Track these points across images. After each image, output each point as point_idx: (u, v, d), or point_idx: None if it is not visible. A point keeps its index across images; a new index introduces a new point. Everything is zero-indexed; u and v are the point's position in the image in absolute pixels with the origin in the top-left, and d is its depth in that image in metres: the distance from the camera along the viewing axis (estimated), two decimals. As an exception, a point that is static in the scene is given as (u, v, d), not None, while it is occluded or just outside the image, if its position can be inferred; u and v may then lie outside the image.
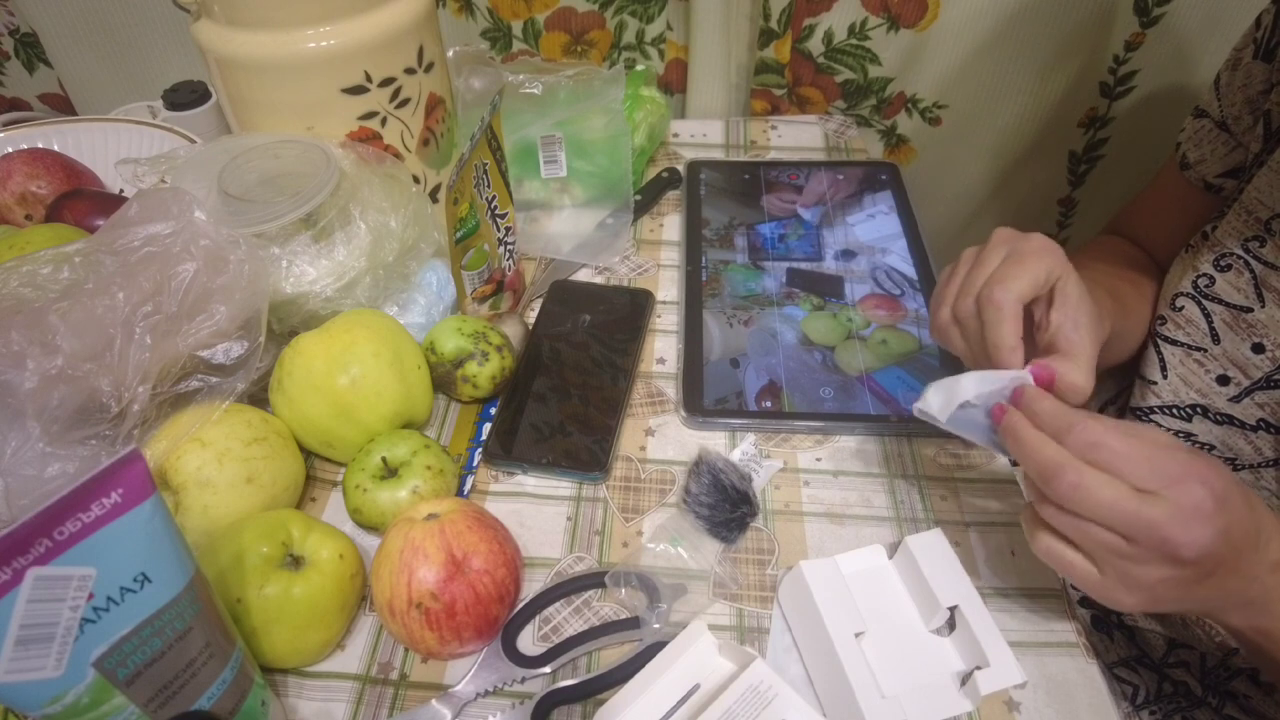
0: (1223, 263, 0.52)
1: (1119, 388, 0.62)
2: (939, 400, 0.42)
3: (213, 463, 0.45)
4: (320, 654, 0.45)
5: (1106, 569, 0.37)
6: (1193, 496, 0.35)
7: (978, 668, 0.41)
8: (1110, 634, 0.59)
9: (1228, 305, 0.52)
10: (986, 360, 0.43)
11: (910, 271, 0.68)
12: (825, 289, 0.66)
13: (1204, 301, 0.53)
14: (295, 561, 0.43)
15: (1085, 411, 0.38)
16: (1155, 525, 0.35)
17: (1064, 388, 0.41)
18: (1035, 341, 0.44)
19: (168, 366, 0.46)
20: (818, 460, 0.55)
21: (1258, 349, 0.50)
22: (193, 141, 0.72)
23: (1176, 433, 0.54)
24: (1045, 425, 0.38)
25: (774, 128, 0.88)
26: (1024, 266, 0.42)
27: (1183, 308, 0.54)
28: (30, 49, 0.87)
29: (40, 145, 0.72)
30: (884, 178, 0.78)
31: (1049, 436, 0.38)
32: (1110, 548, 0.36)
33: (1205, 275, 0.53)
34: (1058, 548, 0.38)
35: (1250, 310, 0.51)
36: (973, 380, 0.41)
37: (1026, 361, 0.42)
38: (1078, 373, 0.41)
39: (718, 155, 0.84)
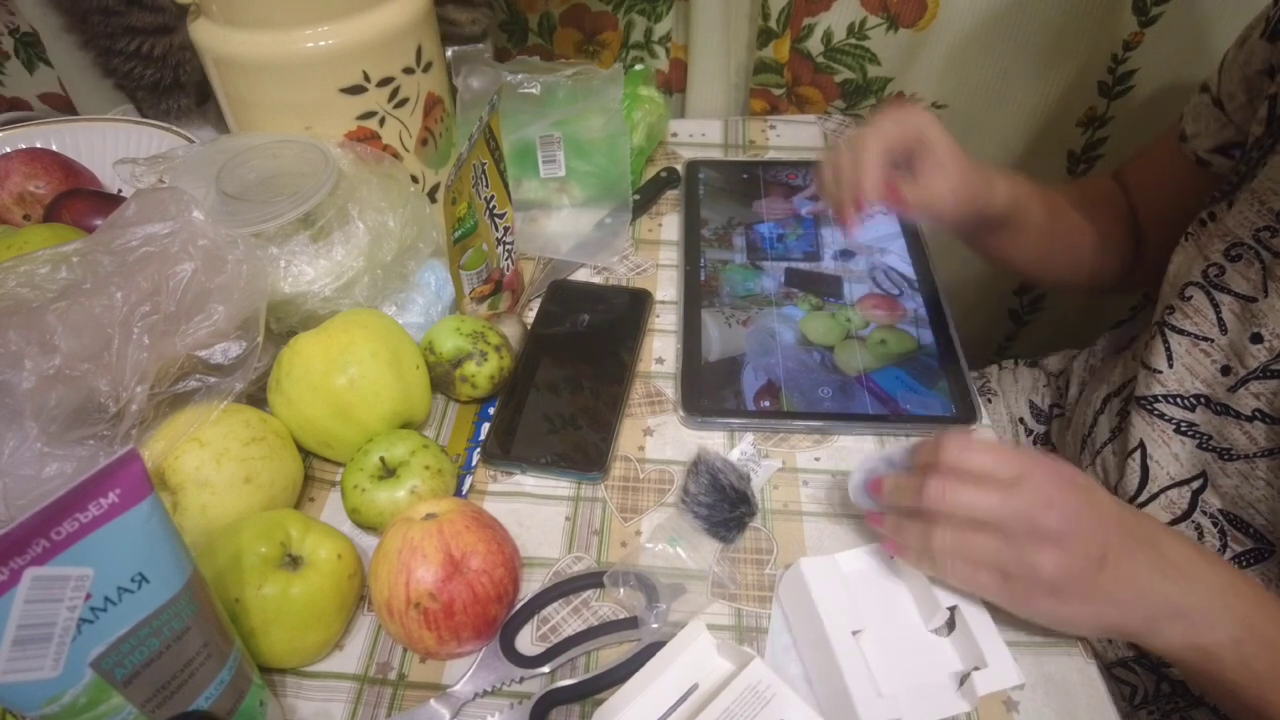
0: (1233, 253, 0.52)
1: (1125, 379, 0.62)
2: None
3: (211, 463, 0.45)
4: (318, 654, 0.45)
5: (1006, 574, 0.41)
6: (1048, 472, 0.41)
7: (976, 668, 0.41)
8: (1108, 633, 0.59)
9: (1236, 295, 0.52)
10: (849, 194, 0.55)
11: (909, 271, 0.68)
12: (824, 289, 0.66)
13: (1213, 291, 0.53)
14: (293, 561, 0.43)
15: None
16: (1019, 509, 0.40)
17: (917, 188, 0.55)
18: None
19: (166, 366, 0.46)
20: (816, 460, 0.55)
21: (1256, 339, 0.50)
22: (191, 141, 0.72)
23: (1180, 422, 0.55)
24: (925, 452, 0.44)
25: (773, 127, 0.88)
26: (892, 123, 0.54)
27: (1191, 297, 0.54)
28: (30, 49, 0.87)
29: (39, 145, 0.72)
30: (883, 177, 0.78)
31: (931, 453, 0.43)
32: (994, 552, 0.41)
33: (1216, 265, 0.53)
34: (961, 566, 0.42)
35: (1255, 300, 0.51)
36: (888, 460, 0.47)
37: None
38: (911, 187, 0.55)
39: (716, 155, 0.84)
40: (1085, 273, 0.68)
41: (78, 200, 0.63)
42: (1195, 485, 0.54)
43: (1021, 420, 0.74)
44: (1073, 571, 0.40)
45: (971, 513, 0.41)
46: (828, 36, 0.86)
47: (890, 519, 0.45)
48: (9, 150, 0.70)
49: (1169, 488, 0.54)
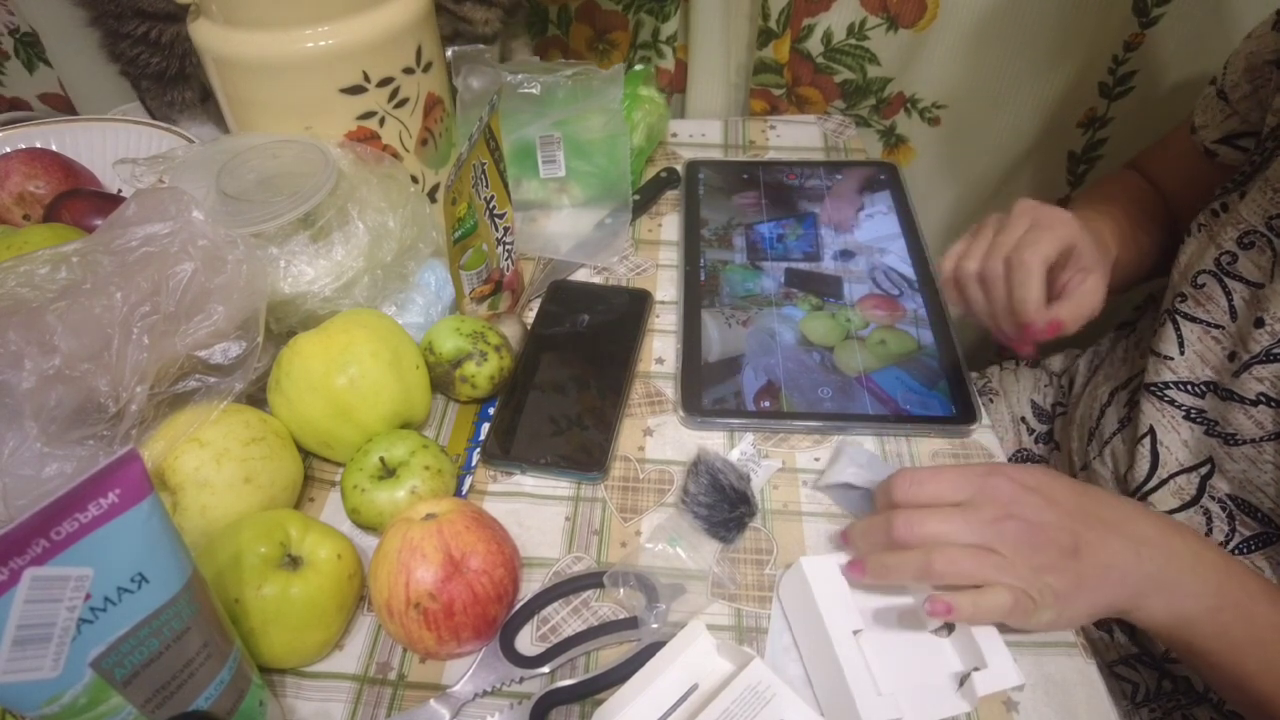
0: (1246, 240, 0.52)
1: (1132, 372, 0.62)
2: (832, 471, 0.52)
3: (211, 463, 0.45)
4: (318, 654, 0.45)
5: (996, 568, 0.41)
6: (999, 483, 0.42)
7: (976, 669, 0.41)
8: (1110, 631, 0.59)
9: (1247, 282, 0.52)
10: (1004, 315, 0.51)
11: (909, 271, 0.68)
12: (824, 289, 0.66)
13: (1225, 279, 0.53)
14: (293, 562, 0.43)
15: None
16: (982, 526, 0.41)
17: (1067, 315, 0.50)
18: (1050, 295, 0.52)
19: (165, 366, 0.46)
20: (816, 460, 0.55)
21: (1258, 323, 0.50)
22: (191, 141, 0.72)
23: (1190, 409, 0.55)
24: (881, 495, 0.46)
25: (773, 127, 0.88)
26: (1049, 234, 0.49)
27: (1204, 285, 0.55)
28: (30, 49, 0.87)
29: (38, 145, 0.72)
30: (883, 178, 0.78)
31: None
32: (986, 569, 0.41)
33: (1229, 253, 0.53)
34: (966, 598, 0.41)
35: (1262, 286, 0.51)
36: (857, 467, 0.51)
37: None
38: (1069, 307, 0.50)
39: (716, 155, 0.84)
40: (1144, 276, 0.69)
41: (78, 200, 0.63)
42: (1203, 471, 0.54)
43: (1023, 420, 0.74)
44: (1048, 573, 0.41)
45: (943, 540, 0.42)
46: (828, 37, 0.86)
47: (874, 563, 0.44)
48: (9, 150, 0.70)
49: (1178, 473, 0.55)
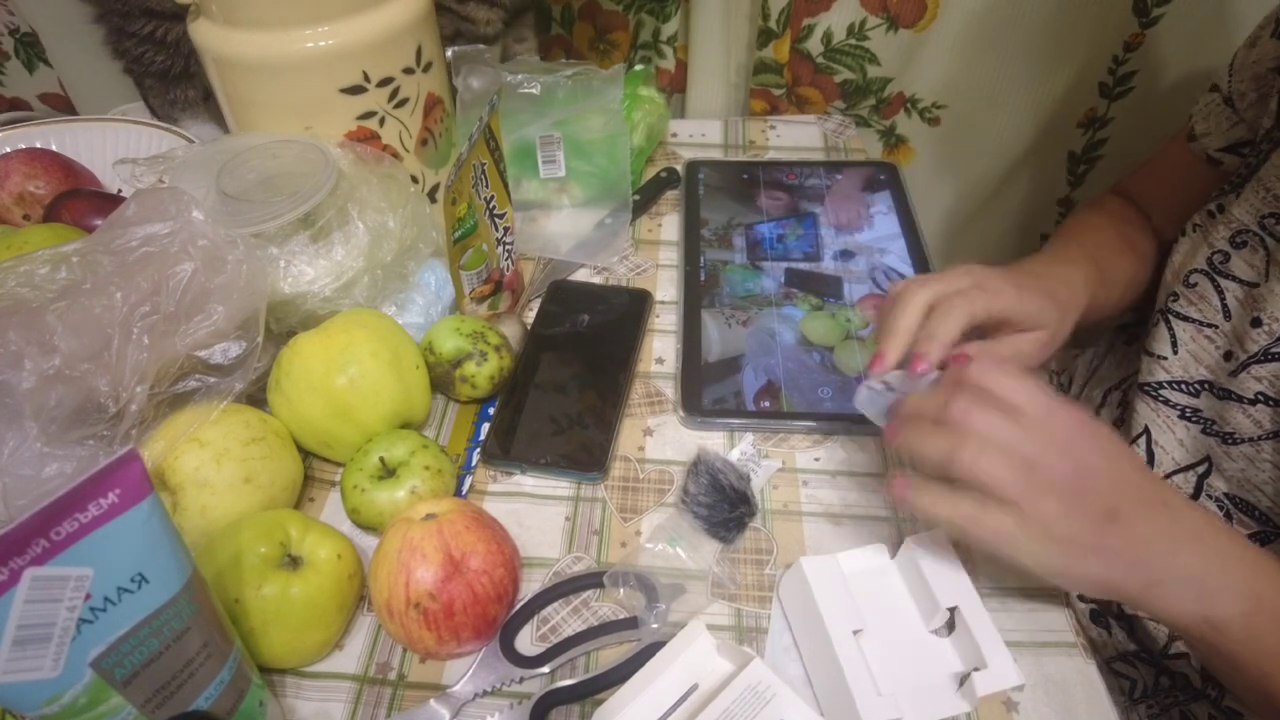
0: (1239, 239, 0.52)
1: (1126, 373, 0.62)
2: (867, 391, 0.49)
3: (211, 463, 0.45)
4: (318, 654, 0.45)
5: (1016, 490, 0.38)
6: (1076, 420, 0.40)
7: (976, 669, 0.41)
8: (1109, 628, 0.59)
9: (1240, 282, 0.52)
10: (903, 340, 0.48)
11: (909, 271, 0.68)
12: (824, 289, 0.66)
13: (1218, 278, 0.53)
14: (293, 562, 0.43)
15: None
16: (1036, 449, 0.38)
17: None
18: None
19: (165, 366, 0.46)
20: (816, 460, 0.55)
21: (1256, 323, 0.50)
22: (191, 141, 0.72)
23: (1184, 408, 0.55)
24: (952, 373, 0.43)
25: (773, 127, 0.88)
26: (984, 298, 0.48)
27: (1196, 284, 0.55)
28: (30, 49, 0.87)
29: (38, 145, 0.72)
30: (883, 178, 0.78)
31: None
32: (1008, 484, 0.38)
33: (1221, 252, 0.53)
34: (967, 505, 0.39)
35: (1257, 285, 0.51)
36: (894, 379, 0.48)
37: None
38: (983, 347, 0.50)
39: (716, 155, 0.84)
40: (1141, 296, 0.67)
41: (78, 200, 0.63)
42: (1200, 470, 0.54)
43: None
44: (1075, 522, 0.38)
45: (989, 438, 0.39)
46: (828, 37, 0.86)
47: (911, 429, 0.42)
48: (9, 150, 0.70)
49: (1174, 473, 0.55)
